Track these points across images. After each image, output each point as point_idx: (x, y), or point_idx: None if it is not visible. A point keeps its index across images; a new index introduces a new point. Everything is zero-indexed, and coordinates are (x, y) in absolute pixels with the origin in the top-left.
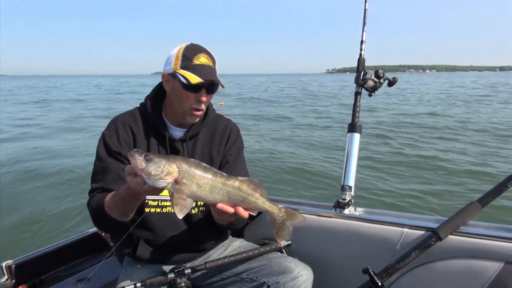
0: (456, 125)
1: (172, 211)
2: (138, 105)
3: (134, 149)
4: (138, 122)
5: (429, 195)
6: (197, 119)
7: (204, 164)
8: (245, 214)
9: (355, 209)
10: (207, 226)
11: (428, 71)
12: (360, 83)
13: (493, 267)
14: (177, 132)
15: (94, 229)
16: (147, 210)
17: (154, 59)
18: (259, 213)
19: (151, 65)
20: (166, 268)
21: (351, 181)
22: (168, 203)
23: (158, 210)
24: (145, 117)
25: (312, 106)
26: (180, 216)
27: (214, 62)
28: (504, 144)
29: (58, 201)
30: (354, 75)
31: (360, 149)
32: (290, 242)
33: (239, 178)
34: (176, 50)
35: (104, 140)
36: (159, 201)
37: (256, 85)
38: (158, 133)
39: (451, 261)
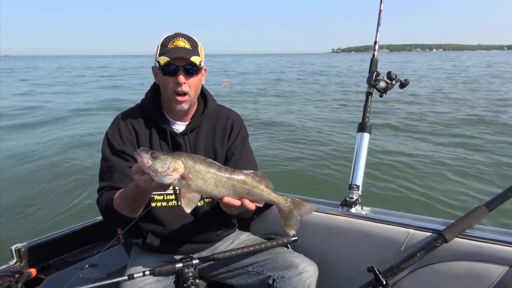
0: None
1: (178, 204)
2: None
3: (140, 148)
4: (140, 119)
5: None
6: (184, 106)
7: (209, 159)
8: (251, 206)
9: (361, 208)
10: (214, 217)
11: (435, 50)
12: (372, 83)
13: (498, 270)
14: (179, 126)
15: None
16: (153, 204)
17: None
18: (266, 206)
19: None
20: (174, 258)
21: (359, 180)
22: (174, 197)
23: (164, 204)
24: (146, 113)
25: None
26: (188, 210)
27: (193, 45)
28: None
29: (70, 188)
30: (360, 54)
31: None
32: (296, 237)
33: (243, 171)
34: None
35: (107, 140)
36: (165, 195)
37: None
38: (159, 128)
39: (455, 263)
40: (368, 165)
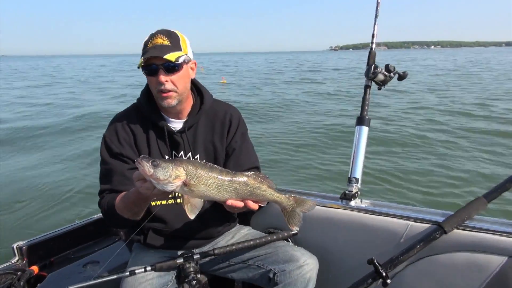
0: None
1: (178, 202)
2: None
3: (141, 156)
4: (136, 119)
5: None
6: (171, 101)
7: (209, 164)
8: (255, 206)
9: (361, 201)
10: (215, 214)
11: (433, 47)
12: (371, 76)
13: (497, 261)
14: (176, 124)
15: None
16: (153, 203)
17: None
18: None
19: None
20: (175, 253)
21: (358, 174)
22: (173, 195)
23: (164, 202)
24: (142, 113)
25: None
26: (192, 216)
27: (173, 40)
28: None
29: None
30: (357, 51)
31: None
32: (296, 231)
33: (245, 173)
34: None
35: (105, 143)
36: None
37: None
38: (156, 127)
39: (455, 254)
40: (367, 157)
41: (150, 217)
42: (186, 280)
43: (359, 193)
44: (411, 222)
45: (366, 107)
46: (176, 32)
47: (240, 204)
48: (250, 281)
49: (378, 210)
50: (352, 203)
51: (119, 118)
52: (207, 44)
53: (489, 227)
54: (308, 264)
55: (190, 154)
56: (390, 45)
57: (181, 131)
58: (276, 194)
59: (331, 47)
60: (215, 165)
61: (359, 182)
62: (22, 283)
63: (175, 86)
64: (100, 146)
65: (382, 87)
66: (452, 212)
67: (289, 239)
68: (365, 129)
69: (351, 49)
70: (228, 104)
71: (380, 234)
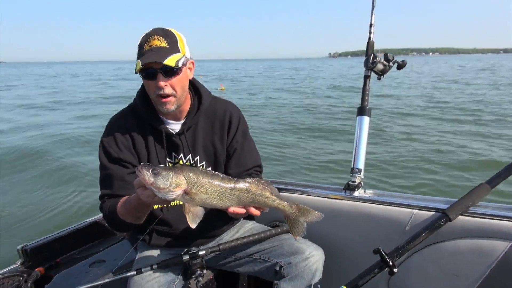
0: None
1: (181, 203)
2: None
3: (141, 164)
4: (133, 122)
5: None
6: (170, 107)
7: (211, 171)
8: (257, 212)
9: (364, 191)
10: (219, 214)
11: (431, 54)
12: (370, 66)
13: (501, 246)
14: (174, 126)
15: None
16: (155, 207)
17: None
18: None
19: None
20: (181, 250)
21: (361, 164)
22: None
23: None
24: (139, 115)
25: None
26: (193, 226)
27: (171, 41)
28: None
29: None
30: (355, 58)
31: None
32: None
33: (246, 179)
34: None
35: (103, 147)
36: None
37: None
38: (154, 130)
39: (460, 241)
40: (369, 147)
41: (153, 220)
42: (193, 276)
43: (362, 183)
44: (415, 211)
45: (367, 98)
46: (173, 31)
47: (243, 210)
48: (256, 275)
49: (382, 199)
50: (356, 193)
51: (116, 120)
52: (205, 51)
53: (493, 212)
54: (314, 256)
55: (190, 156)
56: (388, 52)
57: (179, 133)
58: (278, 201)
59: (330, 54)
60: (217, 172)
61: (362, 172)
62: (29, 284)
63: (174, 90)
64: (98, 150)
65: (382, 76)
66: (456, 199)
67: None
68: (366, 119)
69: (349, 56)
70: (227, 102)
71: (384, 224)
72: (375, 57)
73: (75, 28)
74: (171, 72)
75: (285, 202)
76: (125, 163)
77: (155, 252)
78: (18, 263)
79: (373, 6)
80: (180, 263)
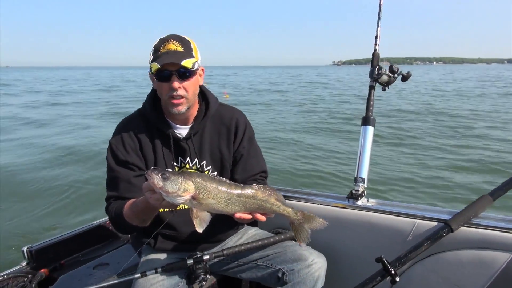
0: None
1: (186, 208)
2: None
3: (151, 168)
4: (141, 125)
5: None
6: (181, 108)
7: (218, 177)
8: (262, 218)
9: (368, 200)
10: (224, 219)
11: (435, 63)
12: (375, 77)
13: (503, 257)
14: (181, 130)
15: None
16: (161, 210)
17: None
18: None
19: None
20: (185, 255)
21: (364, 173)
22: None
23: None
24: (147, 119)
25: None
26: (200, 230)
27: (186, 46)
28: None
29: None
30: (359, 67)
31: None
32: None
33: (253, 186)
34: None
35: (111, 150)
36: None
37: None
38: (162, 134)
39: (461, 252)
40: (373, 157)
41: (159, 224)
42: (197, 280)
43: (365, 192)
44: (417, 221)
45: (371, 108)
46: (187, 38)
47: (248, 216)
48: (259, 281)
49: (385, 209)
50: (359, 202)
51: (124, 124)
52: (210, 58)
53: (495, 224)
54: (316, 263)
55: (196, 160)
56: (392, 61)
57: (187, 138)
58: (283, 207)
59: (334, 62)
60: (224, 179)
61: (366, 181)
62: (34, 285)
63: (187, 92)
64: (106, 153)
65: (387, 87)
66: (459, 210)
67: None
68: (370, 129)
69: (353, 64)
70: (234, 108)
71: (387, 233)
72: (380, 68)
73: (83, 33)
74: (186, 75)
75: (291, 209)
76: (132, 166)
77: (160, 256)
78: (23, 264)
79: (379, 18)
80: (184, 267)
